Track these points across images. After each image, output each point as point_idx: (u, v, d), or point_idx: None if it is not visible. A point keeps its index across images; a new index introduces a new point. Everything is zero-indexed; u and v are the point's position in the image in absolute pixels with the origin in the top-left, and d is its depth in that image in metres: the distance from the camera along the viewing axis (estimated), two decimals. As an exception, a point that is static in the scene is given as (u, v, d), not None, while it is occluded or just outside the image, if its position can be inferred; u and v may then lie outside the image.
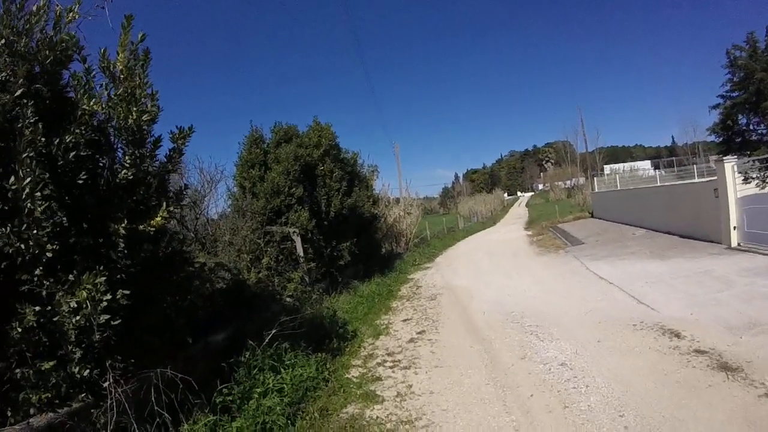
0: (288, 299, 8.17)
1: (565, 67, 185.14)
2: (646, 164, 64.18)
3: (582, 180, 65.05)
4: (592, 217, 24.58)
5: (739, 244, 9.89)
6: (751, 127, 19.91)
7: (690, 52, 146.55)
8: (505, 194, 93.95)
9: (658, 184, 20.63)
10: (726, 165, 9.89)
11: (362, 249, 12.88)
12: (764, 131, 19.43)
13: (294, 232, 9.64)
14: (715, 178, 10.55)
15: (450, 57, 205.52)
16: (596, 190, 26.14)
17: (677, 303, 6.77)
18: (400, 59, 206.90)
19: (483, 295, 9.44)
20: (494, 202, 60.31)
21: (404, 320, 8.34)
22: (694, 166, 36.74)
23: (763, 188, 9.03)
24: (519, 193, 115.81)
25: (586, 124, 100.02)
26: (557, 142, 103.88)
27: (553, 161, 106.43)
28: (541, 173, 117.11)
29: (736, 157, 12.27)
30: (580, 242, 15.31)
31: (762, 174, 8.81)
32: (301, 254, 9.63)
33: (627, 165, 61.78)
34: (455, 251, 19.66)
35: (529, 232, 23.22)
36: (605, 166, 69.52)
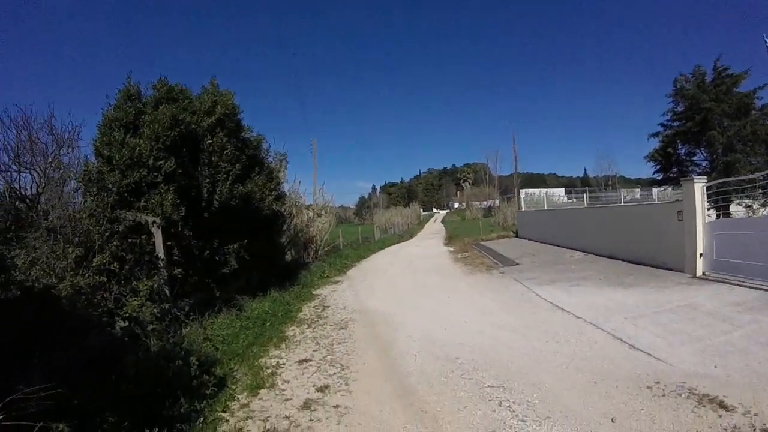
0: (121, 324, 5.29)
1: (489, 90, 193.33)
2: (560, 191, 67.10)
3: (497, 201, 66.69)
4: (517, 236, 23.65)
5: (704, 273, 8.61)
6: (688, 158, 20.09)
7: (608, 88, 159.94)
8: (421, 209, 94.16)
9: (600, 205, 19.96)
10: (695, 185, 8.59)
11: (258, 254, 10.13)
12: (702, 161, 19.59)
13: (153, 222, 6.75)
14: (679, 200, 9.28)
15: (377, 69, 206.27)
16: (523, 209, 25.36)
17: (685, 349, 4.97)
18: (325, 64, 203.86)
19: (409, 326, 7.15)
20: (411, 215, 59.37)
21: (301, 362, 5.79)
22: (609, 193, 38.06)
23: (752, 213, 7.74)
24: (435, 210, 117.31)
25: (503, 148, 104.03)
26: (476, 164, 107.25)
27: (471, 181, 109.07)
28: (458, 192, 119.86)
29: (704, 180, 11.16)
30: (513, 262, 13.71)
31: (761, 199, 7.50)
32: (161, 255, 6.76)
33: (542, 191, 64.14)
34: (371, 264, 17.37)
35: (451, 248, 21.62)
36: (521, 190, 72.03)
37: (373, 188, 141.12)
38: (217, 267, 8.27)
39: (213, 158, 8.24)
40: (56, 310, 4.63)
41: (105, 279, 5.85)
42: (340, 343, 6.44)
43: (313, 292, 10.86)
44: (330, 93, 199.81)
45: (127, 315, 5.48)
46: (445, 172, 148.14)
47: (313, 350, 6.24)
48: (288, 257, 15.41)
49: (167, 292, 6.77)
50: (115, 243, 6.28)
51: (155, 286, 6.31)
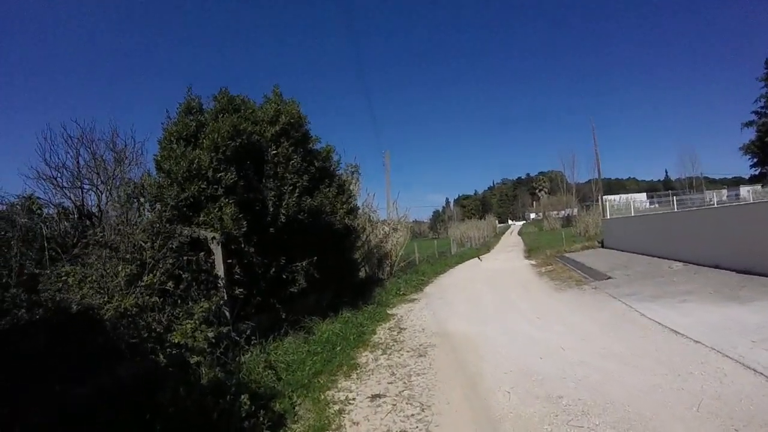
0: (172, 351, 4.72)
1: (562, 98, 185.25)
2: (642, 196, 62.03)
3: (575, 210, 62.65)
4: (602, 246, 21.45)
5: None
6: None
7: (687, 80, 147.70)
8: (497, 221, 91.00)
9: (696, 208, 17.56)
10: None
11: (328, 271, 9.48)
12: None
13: (213, 238, 6.24)
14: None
15: (445, 82, 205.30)
16: (608, 217, 23.06)
17: None
18: (396, 80, 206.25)
19: (499, 353, 6.04)
20: (487, 228, 57.15)
21: (374, 397, 4.91)
22: (693, 196, 34.28)
23: None
24: (510, 221, 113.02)
25: (579, 153, 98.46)
26: (551, 172, 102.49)
27: (546, 190, 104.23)
28: (533, 202, 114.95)
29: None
30: (604, 276, 12.05)
31: None
32: (221, 273, 6.22)
33: (623, 196, 59.61)
34: (449, 279, 16.25)
35: (533, 262, 19.92)
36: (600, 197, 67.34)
37: (447, 201, 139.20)
38: (284, 286, 7.65)
39: (278, 170, 7.70)
40: (95, 333, 4.11)
41: (158, 299, 5.37)
42: (418, 375, 5.47)
43: (388, 312, 9.98)
44: (401, 107, 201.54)
45: (176, 341, 4.90)
46: (520, 182, 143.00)
47: (388, 382, 5.32)
48: (362, 274, 14.74)
49: (227, 313, 6.21)
50: (170, 260, 5.80)
51: (213, 307, 5.74)
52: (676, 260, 12.86)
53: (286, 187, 7.61)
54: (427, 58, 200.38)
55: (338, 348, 6.98)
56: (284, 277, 7.58)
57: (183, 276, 5.78)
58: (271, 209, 7.39)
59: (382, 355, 6.59)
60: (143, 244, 5.76)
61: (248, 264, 6.75)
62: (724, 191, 53.38)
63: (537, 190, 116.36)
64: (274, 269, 7.31)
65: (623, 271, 12.56)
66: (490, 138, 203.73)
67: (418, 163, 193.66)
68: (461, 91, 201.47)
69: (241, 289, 6.33)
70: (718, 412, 3.63)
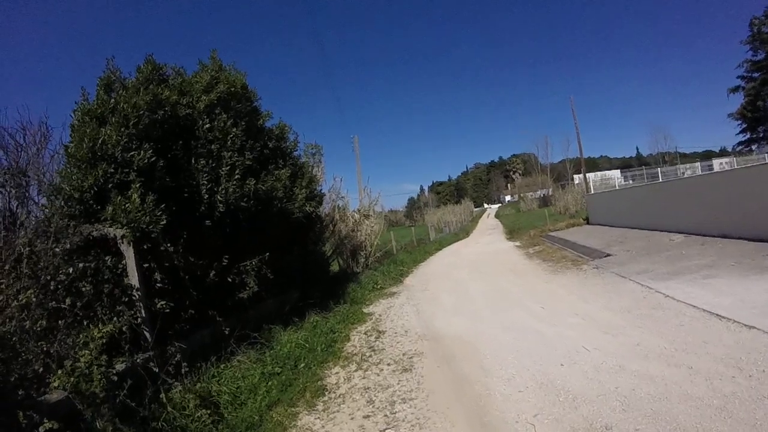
0: (48, 397, 3.22)
1: (533, 79, 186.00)
2: (616, 173, 62.12)
3: (551, 190, 62.36)
4: (588, 223, 20.48)
5: None
6: None
7: (655, 64, 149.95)
8: (473, 205, 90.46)
9: (716, 168, 16.56)
10: None
11: (290, 269, 8.02)
12: None
13: (123, 236, 4.69)
14: None
15: (412, 69, 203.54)
16: (592, 192, 22.12)
17: None
18: (362, 69, 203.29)
19: (505, 360, 4.68)
20: (464, 212, 56.28)
21: (342, 442, 3.50)
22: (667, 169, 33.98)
23: None
24: (485, 205, 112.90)
25: (551, 134, 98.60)
26: (524, 154, 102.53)
27: (521, 172, 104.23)
28: (508, 185, 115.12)
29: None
30: (602, 253, 10.89)
31: None
32: (135, 282, 4.68)
33: (597, 174, 59.40)
34: (431, 268, 14.92)
35: (517, 243, 18.81)
36: (574, 175, 67.28)
37: (421, 189, 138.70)
38: (231, 292, 6.14)
39: (213, 147, 6.13)
40: None
41: (44, 323, 3.87)
42: (404, 401, 4.07)
43: (365, 311, 8.56)
44: (369, 97, 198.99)
45: (59, 385, 3.41)
46: (493, 166, 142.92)
47: (364, 416, 3.92)
48: (336, 267, 13.29)
49: (147, 335, 4.71)
50: (65, 270, 4.25)
51: (124, 328, 4.26)
52: (674, 232, 11.85)
53: (223, 169, 6.06)
54: (394, 47, 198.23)
55: (302, 365, 5.56)
56: (230, 280, 6.07)
57: (84, 289, 4.25)
58: (206, 196, 5.83)
59: (356, 371, 5.17)
60: (23, 250, 4.21)
61: (175, 268, 5.21)
62: (697, 164, 53.63)
63: (511, 173, 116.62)
64: (213, 272, 5.78)
65: (621, 247, 11.43)
66: (461, 124, 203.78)
67: (391, 154, 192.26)
68: (430, 79, 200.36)
69: (164, 302, 4.79)
70: None
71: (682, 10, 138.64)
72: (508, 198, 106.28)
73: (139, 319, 4.66)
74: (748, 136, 17.61)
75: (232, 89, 6.98)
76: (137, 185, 4.92)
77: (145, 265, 4.88)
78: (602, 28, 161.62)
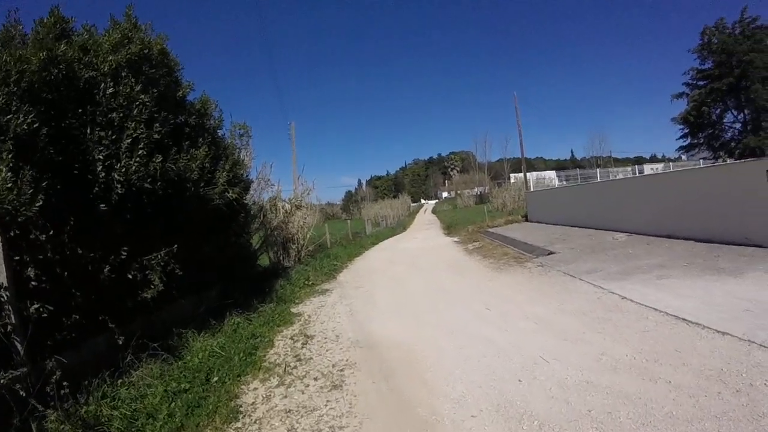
0: None
1: (470, 77, 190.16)
2: (552, 174, 64.79)
3: (487, 188, 64.00)
4: (527, 220, 20.80)
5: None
6: (725, 119, 17.26)
7: (592, 65, 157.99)
8: (410, 200, 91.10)
9: (648, 173, 17.13)
10: None
11: (209, 264, 7.14)
12: (732, 122, 16.75)
13: (-20, 222, 3.68)
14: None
15: (355, 62, 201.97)
16: (531, 189, 22.52)
17: None
18: (301, 59, 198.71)
19: (452, 374, 4.15)
20: (401, 207, 56.36)
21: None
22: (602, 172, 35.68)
23: None
24: (423, 201, 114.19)
25: (490, 132, 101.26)
26: (462, 152, 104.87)
27: (458, 169, 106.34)
28: (446, 181, 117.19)
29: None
30: (545, 251, 10.81)
31: None
32: (3, 281, 3.70)
33: (533, 174, 61.62)
34: (366, 263, 14.34)
35: (455, 239, 18.69)
36: (511, 174, 69.46)
37: (359, 182, 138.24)
38: (132, 291, 5.20)
39: (114, 116, 5.14)
40: None
41: None
42: (333, 429, 3.43)
43: (293, 311, 7.82)
44: (310, 88, 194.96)
45: None
46: (432, 162, 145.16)
47: (284, 451, 3.24)
48: (266, 262, 12.37)
49: (19, 347, 3.76)
50: None
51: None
52: (616, 231, 12.02)
53: (125, 142, 5.10)
54: (338, 36, 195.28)
55: (215, 378, 4.76)
56: (130, 277, 5.13)
57: None
58: (102, 174, 4.84)
59: (278, 386, 4.47)
60: None
61: (57, 262, 4.24)
62: (629, 169, 56.97)
63: (449, 169, 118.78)
64: (109, 267, 4.84)
65: (564, 245, 11.41)
66: (402, 119, 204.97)
67: (330, 147, 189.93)
68: (372, 71, 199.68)
69: (40, 305, 3.84)
70: None
71: (625, 17, 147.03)
72: (445, 194, 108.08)
73: (9, 328, 3.69)
74: (689, 141, 18.65)
75: (146, 51, 6.00)
76: (8, 156, 3.90)
77: (17, 258, 3.90)
78: (543, 28, 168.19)
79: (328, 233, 18.19)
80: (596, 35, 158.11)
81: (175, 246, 5.36)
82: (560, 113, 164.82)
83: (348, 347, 5.43)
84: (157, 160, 5.30)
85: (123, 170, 4.95)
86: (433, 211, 65.96)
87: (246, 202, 8.94)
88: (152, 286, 5.26)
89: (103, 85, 5.20)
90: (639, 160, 78.31)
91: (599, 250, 9.86)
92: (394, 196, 76.39)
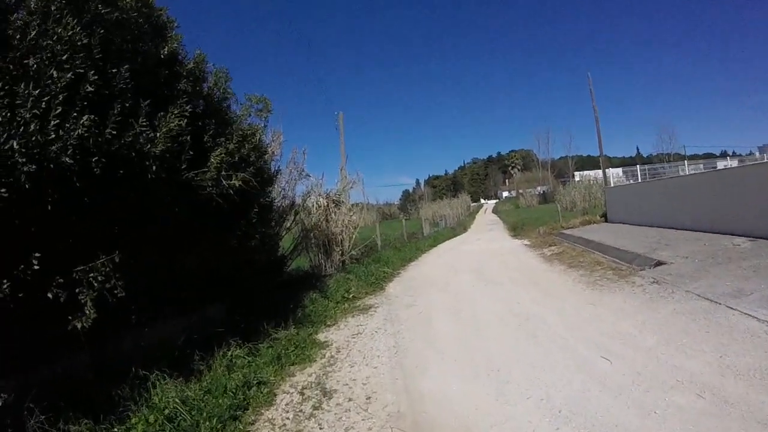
0: None
1: (533, 76, 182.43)
2: (618, 171, 59.93)
3: (551, 187, 59.79)
4: (606, 221, 17.79)
5: None
6: None
7: (660, 62, 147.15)
8: (470, 200, 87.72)
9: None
10: None
11: (200, 275, 5.31)
12: None
13: None
14: None
15: (411, 63, 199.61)
16: (612, 185, 19.47)
17: None
18: (357, 61, 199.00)
19: None
20: (461, 206, 53.48)
21: None
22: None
23: None
24: (482, 200, 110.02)
25: (553, 132, 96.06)
26: (523, 150, 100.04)
27: (519, 167, 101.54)
28: (506, 180, 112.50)
29: None
30: (650, 260, 8.14)
31: None
32: None
33: (598, 172, 57.16)
34: (421, 270, 12.17)
35: (526, 242, 16.13)
36: (575, 173, 64.70)
37: (417, 182, 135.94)
38: (56, 318, 3.40)
39: (31, 61, 3.34)
40: None
41: None
42: None
43: (318, 338, 5.83)
44: (363, 90, 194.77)
45: None
46: (491, 161, 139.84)
47: None
48: (305, 265, 10.57)
49: None
50: None
51: None
52: (731, 234, 9.15)
53: (47, 98, 3.28)
54: (389, 38, 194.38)
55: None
56: (50, 297, 3.32)
57: None
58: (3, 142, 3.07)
59: None
60: None
61: None
62: (701, 165, 51.36)
63: (510, 168, 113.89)
64: (8, 284, 3.04)
65: (671, 252, 8.66)
66: (460, 118, 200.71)
67: (387, 147, 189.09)
68: (428, 69, 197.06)
69: None
70: None
71: (684, 12, 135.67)
72: (505, 194, 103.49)
73: None
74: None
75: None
76: None
77: None
78: (605, 26, 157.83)
79: (378, 234, 16.17)
80: (658, 25, 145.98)
81: (117, 253, 3.48)
82: (623, 109, 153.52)
83: (381, 426, 3.32)
84: (105, 131, 3.45)
85: (38, 137, 3.13)
86: (494, 211, 62.57)
87: (269, 195, 7.03)
88: (85, 314, 3.43)
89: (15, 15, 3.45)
90: (709, 157, 71.05)
91: (725, 260, 7.13)
92: (453, 196, 73.32)
